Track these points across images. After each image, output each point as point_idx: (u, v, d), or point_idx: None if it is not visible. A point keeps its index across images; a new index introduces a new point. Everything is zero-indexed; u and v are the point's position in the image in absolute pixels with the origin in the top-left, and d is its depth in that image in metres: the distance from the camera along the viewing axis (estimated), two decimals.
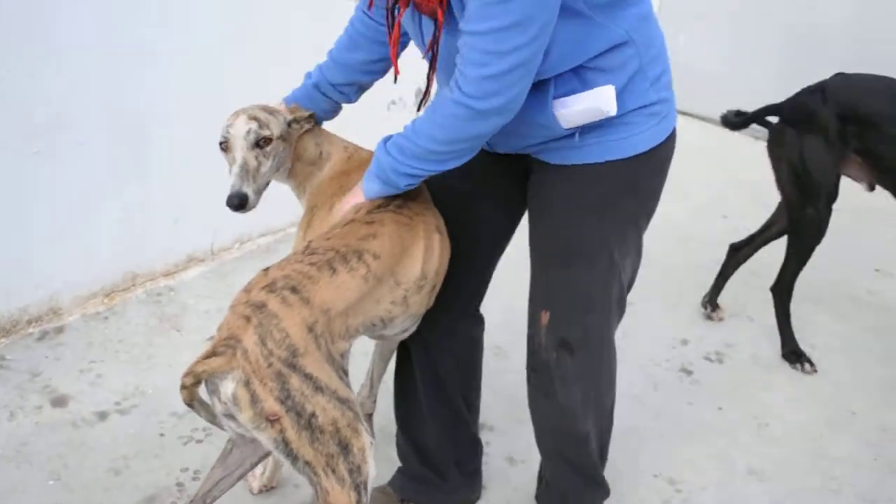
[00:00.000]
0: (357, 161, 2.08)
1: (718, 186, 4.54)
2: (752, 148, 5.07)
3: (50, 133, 2.77)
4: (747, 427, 2.79)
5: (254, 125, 1.94)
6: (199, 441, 2.52)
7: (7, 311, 2.86)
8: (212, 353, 1.56)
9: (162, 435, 2.53)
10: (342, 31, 2.09)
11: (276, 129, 1.98)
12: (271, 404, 1.54)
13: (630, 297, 3.35)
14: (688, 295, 3.50)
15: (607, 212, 1.92)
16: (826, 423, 2.84)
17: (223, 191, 2.99)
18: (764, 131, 4.99)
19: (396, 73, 1.89)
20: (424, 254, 1.89)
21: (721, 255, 3.80)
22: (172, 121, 3.10)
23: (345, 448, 1.61)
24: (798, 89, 3.53)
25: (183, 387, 1.60)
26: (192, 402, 1.64)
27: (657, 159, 2.01)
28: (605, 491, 2.26)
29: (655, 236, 3.90)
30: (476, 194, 2.09)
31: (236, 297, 1.67)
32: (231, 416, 1.61)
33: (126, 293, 3.16)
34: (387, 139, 1.83)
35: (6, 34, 2.58)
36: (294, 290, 1.64)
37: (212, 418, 1.70)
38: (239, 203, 1.90)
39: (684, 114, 5.52)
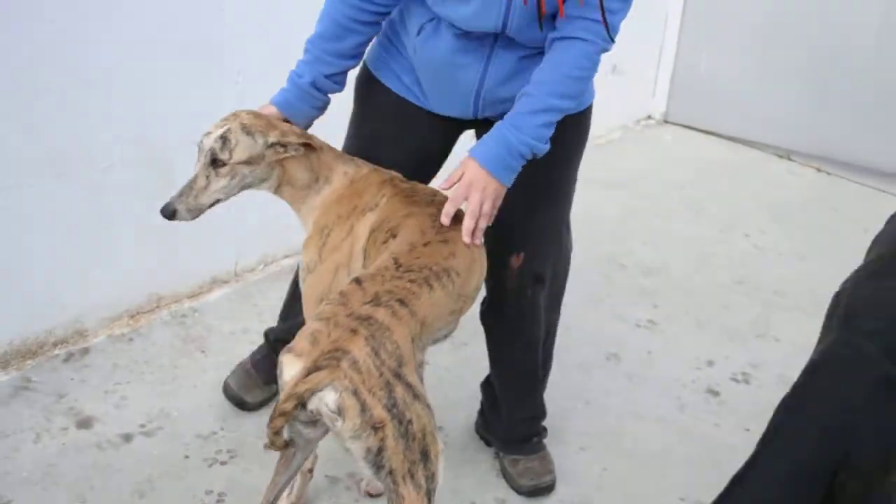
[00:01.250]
0: (363, 180, 2.08)
1: (741, 205, 4.51)
2: (775, 167, 5.08)
3: (75, 157, 2.79)
4: None
5: (217, 145, 1.97)
6: (223, 463, 2.52)
7: (33, 333, 2.87)
8: (312, 369, 1.56)
9: (187, 457, 2.53)
10: (319, 22, 2.11)
11: (240, 153, 1.97)
12: (379, 412, 1.56)
13: (654, 317, 3.39)
14: (712, 315, 3.48)
15: (569, 158, 2.25)
16: None
17: (246, 213, 3.03)
18: (785, 149, 5.00)
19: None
20: (480, 268, 2.01)
21: (744, 275, 3.78)
22: (196, 143, 3.11)
23: (425, 455, 1.64)
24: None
25: (282, 413, 1.57)
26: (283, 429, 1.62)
27: (591, 112, 2.32)
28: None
29: (678, 255, 3.92)
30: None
31: (326, 310, 1.68)
32: (313, 424, 1.63)
33: (151, 315, 3.17)
34: (504, 125, 1.97)
35: (33, 62, 2.60)
36: (402, 302, 1.70)
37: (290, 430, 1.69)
38: (167, 216, 2.02)
39: (706, 132, 5.51)
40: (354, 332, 1.61)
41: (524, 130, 1.95)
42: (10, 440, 2.53)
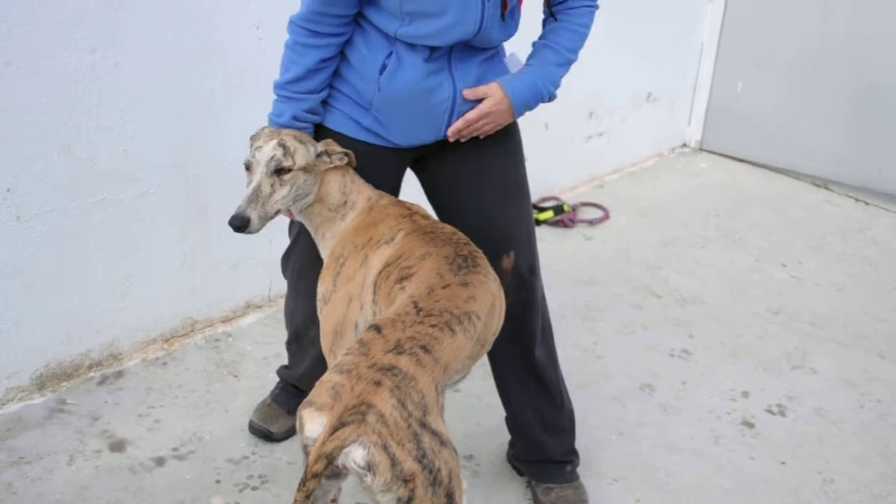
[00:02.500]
0: (381, 210, 2.09)
1: (777, 235, 4.47)
2: (812, 196, 5.03)
3: (113, 182, 2.83)
4: (812, 483, 2.71)
5: (279, 152, 1.99)
6: (254, 488, 2.52)
7: (69, 355, 2.90)
8: (337, 426, 1.51)
9: (218, 481, 2.54)
10: (286, 70, 2.12)
11: (300, 159, 2.01)
12: (410, 465, 1.52)
13: (688, 347, 3.36)
14: (747, 345, 3.44)
15: (518, 152, 2.34)
16: (894, 479, 2.75)
17: (280, 237, 3.04)
18: (822, 178, 4.97)
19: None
20: (499, 311, 1.99)
21: (781, 305, 3.74)
22: (231, 170, 3.14)
23: (450, 497, 1.60)
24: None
25: (314, 476, 1.52)
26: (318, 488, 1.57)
27: None
28: (571, 410, 2.55)
29: (713, 285, 3.89)
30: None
31: (347, 361, 1.62)
32: (337, 477, 1.58)
33: (185, 339, 3.19)
34: (538, 74, 2.19)
35: (74, 89, 2.64)
36: (426, 349, 1.65)
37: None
38: (240, 225, 1.97)
39: (742, 161, 5.48)
40: (378, 383, 1.55)
41: (550, 80, 2.22)
42: (45, 462, 2.55)
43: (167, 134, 2.93)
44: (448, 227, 2.08)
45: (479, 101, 2.16)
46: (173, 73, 2.87)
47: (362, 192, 2.12)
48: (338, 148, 2.09)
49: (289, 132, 2.07)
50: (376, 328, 1.69)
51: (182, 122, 2.95)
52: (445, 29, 2.00)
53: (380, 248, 2.01)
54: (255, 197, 1.99)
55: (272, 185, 2.00)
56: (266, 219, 2.01)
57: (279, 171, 2.00)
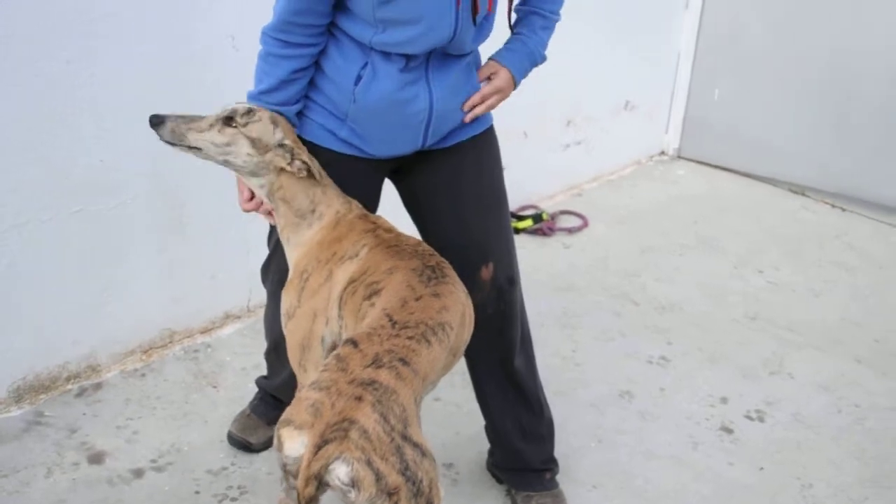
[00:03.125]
0: (346, 225, 2.06)
1: (755, 241, 4.50)
2: (789, 203, 5.07)
3: (90, 192, 2.82)
4: (790, 489, 2.73)
5: (242, 109, 2.02)
6: (233, 499, 2.51)
7: (46, 367, 2.88)
8: (320, 444, 1.50)
9: (197, 493, 2.53)
10: (259, 81, 2.11)
11: (255, 129, 2.00)
12: (395, 478, 1.51)
13: (667, 354, 3.38)
14: (726, 351, 3.46)
15: (497, 162, 2.36)
16: (872, 483, 2.77)
17: (259, 248, 3.04)
18: (800, 185, 5.01)
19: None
20: (470, 321, 1.98)
21: (758, 311, 3.77)
22: (210, 180, 3.13)
23: None
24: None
25: (309, 500, 1.51)
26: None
27: None
28: (550, 418, 2.56)
29: (691, 292, 3.91)
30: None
31: (325, 378, 1.60)
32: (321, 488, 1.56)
33: (163, 350, 3.18)
34: (530, 42, 2.28)
35: (50, 99, 2.64)
36: (404, 362, 1.64)
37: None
38: (154, 122, 2.01)
39: (720, 168, 5.52)
40: (360, 398, 1.54)
41: (542, 45, 2.31)
42: (22, 475, 2.53)
43: (144, 144, 2.90)
44: (412, 240, 2.06)
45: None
46: (150, 84, 2.87)
47: (332, 205, 2.09)
48: (305, 156, 2.04)
49: (275, 114, 2.06)
50: (352, 343, 1.67)
51: None
52: (420, 36, 1.99)
53: (343, 263, 1.99)
54: (189, 118, 2.01)
55: (211, 125, 2.00)
56: (178, 139, 2.00)
57: (228, 120, 1.99)
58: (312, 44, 2.06)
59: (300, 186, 2.06)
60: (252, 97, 2.12)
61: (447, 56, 2.12)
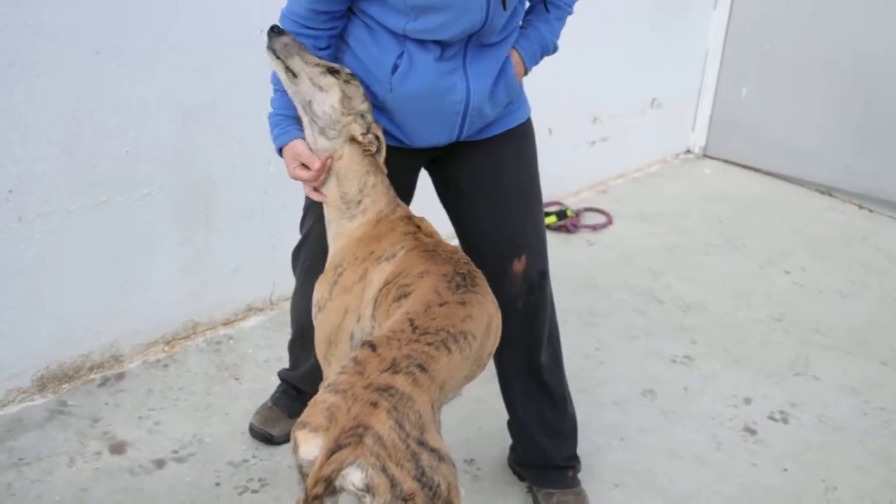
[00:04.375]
0: (387, 225, 2.05)
1: (781, 241, 4.46)
2: (816, 203, 5.02)
3: (115, 184, 2.83)
4: (814, 491, 2.70)
5: (348, 69, 2.06)
6: (254, 491, 2.51)
7: (70, 357, 2.90)
8: (334, 448, 1.50)
9: (218, 484, 2.53)
10: (278, 100, 2.11)
11: (349, 89, 2.01)
12: (410, 485, 1.50)
13: (691, 353, 3.36)
14: (750, 352, 3.43)
15: (533, 158, 2.36)
16: None
17: (283, 241, 3.05)
18: (827, 185, 4.97)
19: None
20: (496, 331, 1.96)
21: (784, 312, 3.73)
22: (234, 174, 3.15)
23: None
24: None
25: (315, 498, 1.51)
26: None
27: None
28: (573, 415, 2.55)
29: (716, 291, 3.88)
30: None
31: (342, 381, 1.59)
32: (334, 495, 1.56)
33: (186, 341, 3.19)
34: (544, 31, 2.25)
35: (77, 91, 2.65)
36: (422, 368, 1.62)
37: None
38: (275, 30, 2.01)
39: (746, 167, 5.47)
40: (375, 404, 1.53)
41: (555, 34, 2.28)
42: (44, 463, 2.55)
43: (170, 137, 2.93)
44: (450, 246, 2.04)
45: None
46: (176, 76, 2.87)
47: (378, 202, 2.07)
48: (379, 133, 2.04)
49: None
50: (371, 346, 1.66)
51: (185, 125, 2.95)
52: (451, 21, 1.97)
53: (380, 263, 1.98)
54: (304, 47, 2.02)
55: (317, 65, 2.00)
56: (285, 55, 2.00)
57: (332, 70, 2.00)
58: (332, 27, 2.06)
59: (358, 166, 2.04)
60: (274, 118, 2.13)
61: (483, 46, 2.10)
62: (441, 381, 1.67)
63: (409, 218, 2.09)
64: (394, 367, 1.60)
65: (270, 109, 2.14)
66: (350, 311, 1.98)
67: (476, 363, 1.88)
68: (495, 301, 1.99)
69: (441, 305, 1.80)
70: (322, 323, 2.04)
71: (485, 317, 1.88)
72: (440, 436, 1.65)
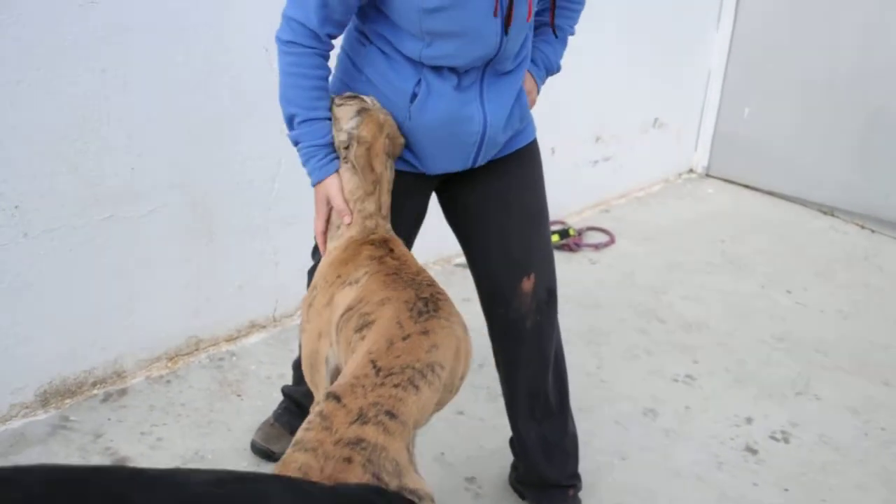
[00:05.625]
0: (353, 249, 2.00)
1: (783, 261, 4.47)
2: (818, 223, 5.03)
3: (120, 200, 2.85)
4: None
5: (352, 93, 2.08)
6: None
7: (73, 372, 2.91)
8: None
9: None
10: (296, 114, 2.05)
11: (339, 111, 2.04)
12: None
13: (692, 372, 3.36)
14: (752, 371, 3.43)
15: (540, 179, 2.38)
16: None
17: (285, 258, 3.07)
18: (829, 205, 4.97)
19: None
20: (465, 355, 1.90)
21: (785, 332, 3.74)
22: (238, 191, 3.16)
23: None
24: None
25: None
26: None
27: None
28: (574, 433, 2.55)
29: (718, 311, 3.89)
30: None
31: (310, 438, 1.52)
32: None
33: (189, 357, 3.20)
34: (553, 55, 2.36)
35: (82, 107, 2.67)
36: (391, 414, 1.56)
37: None
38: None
39: (748, 187, 5.49)
40: (349, 460, 1.47)
41: (560, 55, 2.38)
42: None
43: (175, 154, 2.95)
44: (414, 267, 1.98)
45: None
46: (182, 94, 2.90)
47: (352, 228, 2.03)
48: (359, 153, 2.00)
49: (384, 115, 2.04)
50: (335, 397, 1.59)
51: (190, 142, 2.97)
52: (465, 46, 1.99)
53: (344, 288, 1.94)
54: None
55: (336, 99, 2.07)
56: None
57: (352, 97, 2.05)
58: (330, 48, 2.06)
59: (348, 185, 2.03)
60: (299, 136, 2.09)
61: (499, 75, 2.12)
62: (413, 422, 1.62)
63: (385, 241, 2.03)
64: (362, 418, 1.54)
65: (299, 139, 2.06)
66: (323, 335, 1.95)
67: (448, 390, 1.83)
68: (463, 322, 1.93)
69: (404, 339, 1.72)
70: (303, 345, 2.02)
71: (452, 342, 1.81)
72: (417, 473, 1.60)
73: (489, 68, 2.09)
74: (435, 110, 2.06)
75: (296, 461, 1.48)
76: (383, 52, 2.07)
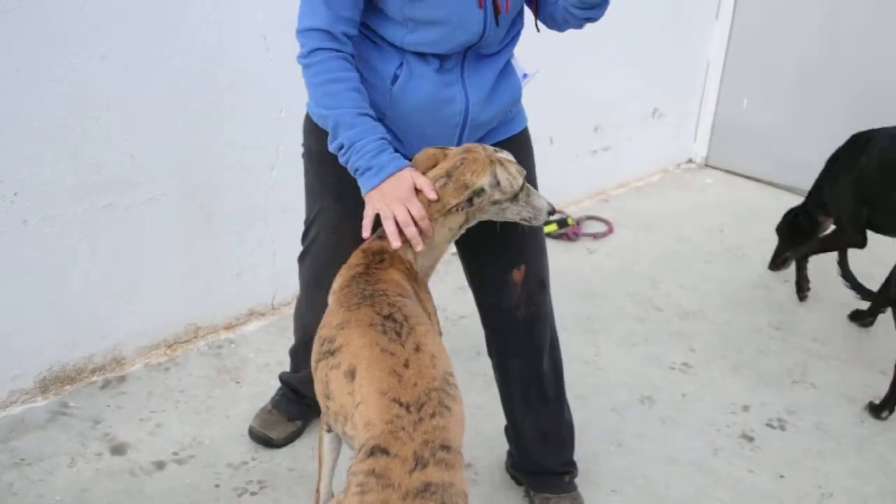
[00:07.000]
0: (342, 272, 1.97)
1: None
2: None
3: (119, 188, 2.86)
4: (810, 497, 2.71)
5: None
6: (253, 493, 2.53)
7: (72, 359, 2.92)
8: None
9: (217, 486, 2.55)
10: (348, 101, 1.95)
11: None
12: None
13: (689, 360, 3.37)
14: (748, 360, 3.45)
15: (532, 167, 2.33)
16: (893, 495, 2.75)
17: (283, 247, 3.07)
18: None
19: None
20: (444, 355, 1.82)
21: (782, 320, 3.75)
22: (237, 179, 3.17)
23: None
24: None
25: None
26: None
27: None
28: (570, 421, 2.55)
29: (716, 299, 3.90)
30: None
31: (371, 501, 1.41)
32: None
33: (188, 345, 3.21)
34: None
35: (83, 95, 2.68)
36: (446, 448, 1.50)
37: None
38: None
39: (747, 177, 5.49)
40: None
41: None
42: (45, 464, 2.57)
43: (174, 142, 2.96)
44: (363, 281, 1.88)
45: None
46: (181, 82, 2.90)
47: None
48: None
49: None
50: (382, 451, 1.48)
51: (189, 130, 2.98)
52: (448, 34, 2.00)
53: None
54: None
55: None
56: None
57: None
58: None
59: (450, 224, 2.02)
60: (356, 143, 1.97)
61: (482, 58, 2.12)
62: (459, 441, 1.56)
63: (348, 265, 1.96)
64: (421, 463, 1.46)
65: (354, 139, 1.94)
66: None
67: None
68: (429, 312, 1.88)
69: (407, 366, 1.63)
70: None
71: (440, 344, 1.76)
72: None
73: (471, 51, 2.09)
74: (416, 92, 2.06)
75: None
76: (371, 42, 2.08)
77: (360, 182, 1.95)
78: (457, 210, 1.94)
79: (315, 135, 2.22)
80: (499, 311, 2.35)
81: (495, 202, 1.98)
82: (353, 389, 1.65)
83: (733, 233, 4.67)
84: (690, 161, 5.77)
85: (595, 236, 4.47)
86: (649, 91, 5.18)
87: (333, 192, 2.26)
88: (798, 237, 4.05)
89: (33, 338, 2.81)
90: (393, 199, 1.90)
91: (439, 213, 1.93)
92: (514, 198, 2.00)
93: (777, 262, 4.19)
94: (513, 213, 2.04)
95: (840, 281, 3.51)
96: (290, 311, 3.45)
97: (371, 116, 1.97)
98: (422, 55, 2.05)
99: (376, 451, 1.48)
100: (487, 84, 2.15)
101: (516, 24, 2.18)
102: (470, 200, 1.94)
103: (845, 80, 4.99)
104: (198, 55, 2.92)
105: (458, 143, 2.18)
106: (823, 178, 3.89)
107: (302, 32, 1.98)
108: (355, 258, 1.96)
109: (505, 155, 2.01)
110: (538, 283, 2.35)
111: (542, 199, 2.07)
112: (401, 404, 1.55)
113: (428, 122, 2.12)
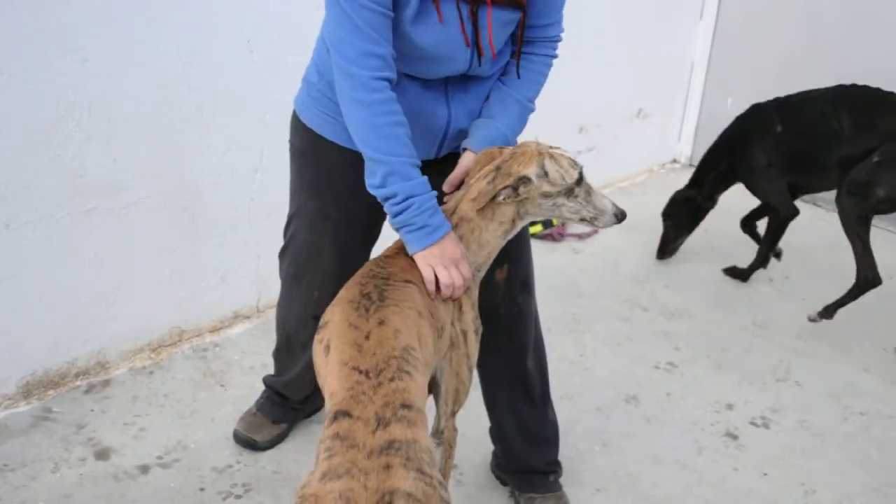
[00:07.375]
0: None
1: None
2: (801, 212, 5.04)
3: (102, 192, 2.85)
4: (794, 494, 2.73)
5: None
6: (238, 496, 2.53)
7: (55, 364, 2.91)
8: None
9: (202, 489, 2.54)
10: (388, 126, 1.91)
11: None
12: None
13: (674, 360, 3.38)
14: (733, 359, 3.46)
15: None
16: (877, 492, 2.76)
17: (268, 249, 3.06)
18: (815, 196, 4.99)
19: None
20: (429, 331, 1.84)
21: (767, 319, 3.77)
22: (221, 182, 3.17)
23: None
24: None
25: None
26: None
27: None
28: (555, 421, 2.56)
29: (700, 298, 3.91)
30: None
31: (339, 463, 1.42)
32: None
33: (172, 348, 3.20)
34: (502, 126, 2.13)
35: (65, 98, 2.67)
36: (406, 406, 1.52)
37: None
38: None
39: None
40: (388, 466, 1.40)
41: (513, 130, 2.14)
42: (29, 469, 2.56)
43: (157, 145, 2.95)
44: (371, 262, 1.96)
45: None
46: (164, 85, 2.90)
47: None
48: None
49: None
50: (344, 414, 1.51)
51: (172, 133, 2.97)
52: (435, 67, 2.00)
53: None
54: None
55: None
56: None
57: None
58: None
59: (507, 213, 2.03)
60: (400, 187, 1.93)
61: (469, 78, 2.11)
62: (421, 403, 1.59)
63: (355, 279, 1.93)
64: (383, 422, 1.48)
65: (411, 193, 1.91)
66: None
67: (429, 370, 1.82)
68: (417, 307, 1.85)
69: (367, 338, 1.67)
70: None
71: (410, 323, 1.76)
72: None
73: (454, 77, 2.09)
74: (400, 102, 1.99)
75: (332, 491, 1.38)
76: None
77: (411, 237, 1.92)
78: (503, 199, 1.93)
79: (300, 133, 2.23)
80: (482, 309, 2.35)
81: (546, 195, 1.96)
82: (327, 363, 1.70)
83: (717, 232, 4.68)
84: (675, 161, 5.78)
85: (580, 237, 4.48)
86: (634, 91, 5.19)
87: (311, 190, 2.27)
88: (694, 220, 4.18)
89: (16, 342, 2.80)
90: (450, 262, 1.92)
91: (485, 198, 1.94)
92: (570, 194, 1.98)
93: (668, 250, 4.26)
94: (570, 212, 2.00)
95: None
96: (275, 313, 3.46)
97: (420, 167, 1.94)
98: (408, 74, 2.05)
99: (339, 415, 1.51)
100: (472, 102, 2.14)
101: (505, 53, 2.14)
102: (516, 190, 1.93)
103: (829, 78, 5.00)
104: (181, 58, 2.91)
105: (438, 152, 2.19)
106: (721, 155, 4.10)
107: (355, 60, 1.86)
108: (390, 248, 2.01)
109: (560, 150, 2.00)
110: (521, 283, 2.35)
111: (606, 200, 2.03)
112: (360, 371, 1.59)
113: (410, 126, 2.10)
